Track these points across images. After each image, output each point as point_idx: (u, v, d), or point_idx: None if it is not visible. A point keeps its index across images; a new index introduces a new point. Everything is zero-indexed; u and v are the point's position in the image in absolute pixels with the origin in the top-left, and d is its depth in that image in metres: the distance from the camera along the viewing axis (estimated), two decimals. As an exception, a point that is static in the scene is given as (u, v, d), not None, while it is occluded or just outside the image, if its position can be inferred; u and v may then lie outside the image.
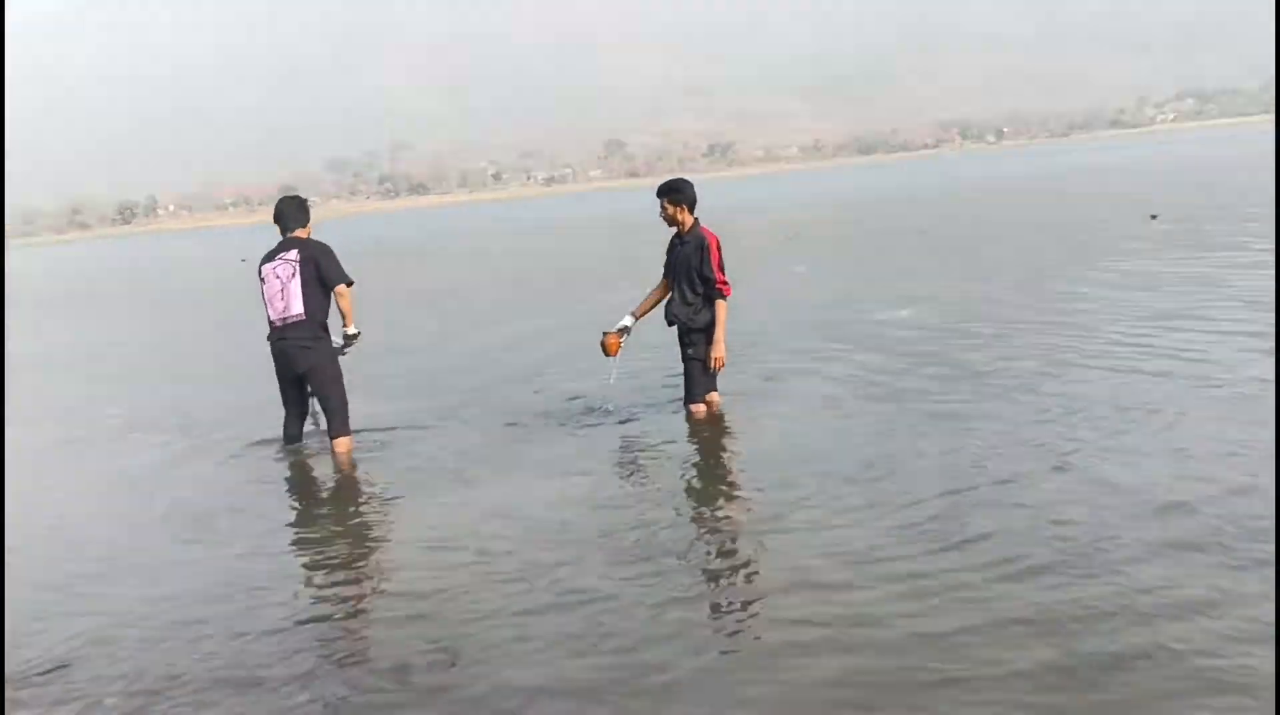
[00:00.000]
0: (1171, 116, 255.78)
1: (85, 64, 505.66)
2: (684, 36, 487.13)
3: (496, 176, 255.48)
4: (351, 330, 6.80)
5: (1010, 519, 4.55)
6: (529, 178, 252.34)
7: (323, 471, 6.62)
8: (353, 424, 6.92)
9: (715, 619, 3.93)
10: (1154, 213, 19.18)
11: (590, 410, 7.45)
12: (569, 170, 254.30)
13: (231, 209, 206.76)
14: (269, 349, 6.82)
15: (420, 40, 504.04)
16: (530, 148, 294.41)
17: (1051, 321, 9.40)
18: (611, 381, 7.34)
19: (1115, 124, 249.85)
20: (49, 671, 3.88)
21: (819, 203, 43.09)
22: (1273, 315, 8.45)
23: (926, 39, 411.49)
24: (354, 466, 6.60)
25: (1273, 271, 10.66)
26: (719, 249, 6.66)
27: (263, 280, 6.74)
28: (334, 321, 6.84)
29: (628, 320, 7.02)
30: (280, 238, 6.85)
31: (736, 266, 7.05)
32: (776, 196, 54.62)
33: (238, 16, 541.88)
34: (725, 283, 6.63)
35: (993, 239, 19.11)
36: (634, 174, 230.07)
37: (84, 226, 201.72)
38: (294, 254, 6.68)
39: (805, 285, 14.53)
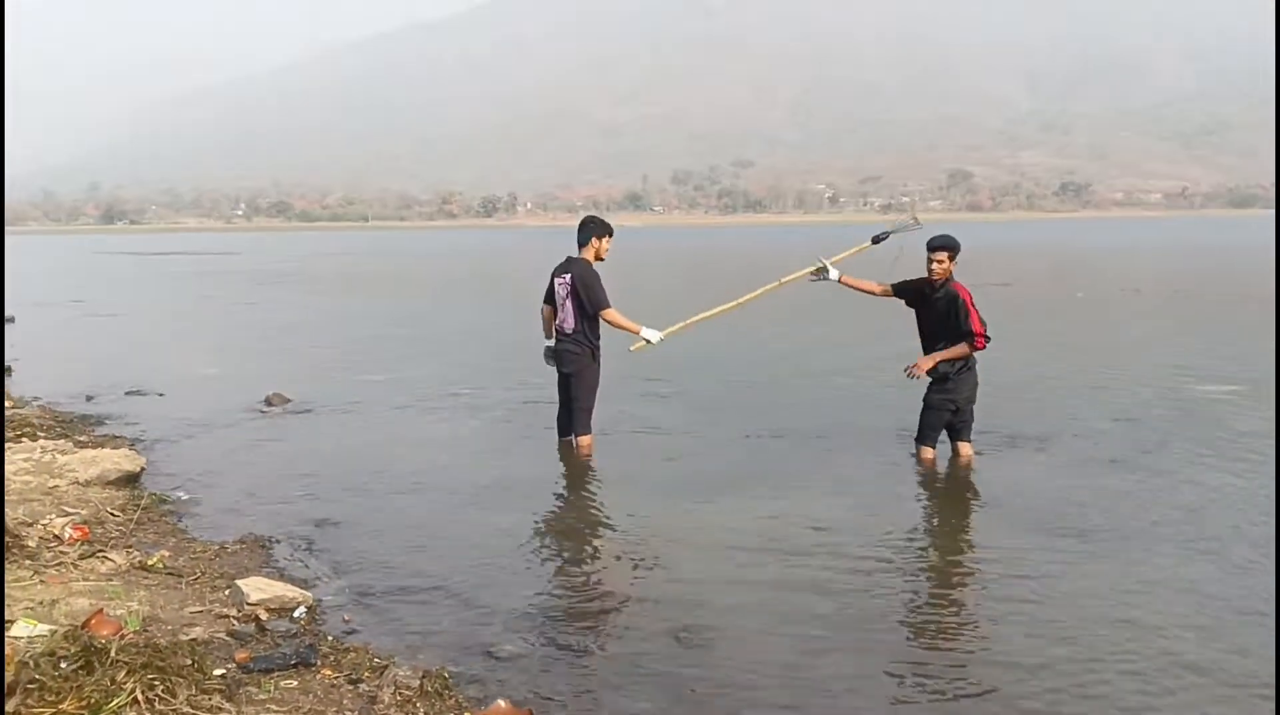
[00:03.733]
0: None
1: (461, 68, 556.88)
2: (1044, 70, 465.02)
3: (833, 199, 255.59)
4: (638, 342, 7.55)
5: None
6: (865, 203, 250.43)
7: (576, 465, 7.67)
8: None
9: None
10: None
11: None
12: (907, 199, 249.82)
13: (581, 210, 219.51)
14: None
15: (766, 57, 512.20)
16: (871, 172, 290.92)
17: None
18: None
19: None
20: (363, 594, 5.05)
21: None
22: None
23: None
24: (590, 458, 7.65)
25: None
26: (972, 302, 6.99)
27: (552, 290, 7.78)
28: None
29: (833, 273, 7.48)
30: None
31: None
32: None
33: (597, 29, 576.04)
34: (983, 335, 6.96)
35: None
36: (976, 208, 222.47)
37: (451, 216, 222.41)
38: (569, 278, 7.60)
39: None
